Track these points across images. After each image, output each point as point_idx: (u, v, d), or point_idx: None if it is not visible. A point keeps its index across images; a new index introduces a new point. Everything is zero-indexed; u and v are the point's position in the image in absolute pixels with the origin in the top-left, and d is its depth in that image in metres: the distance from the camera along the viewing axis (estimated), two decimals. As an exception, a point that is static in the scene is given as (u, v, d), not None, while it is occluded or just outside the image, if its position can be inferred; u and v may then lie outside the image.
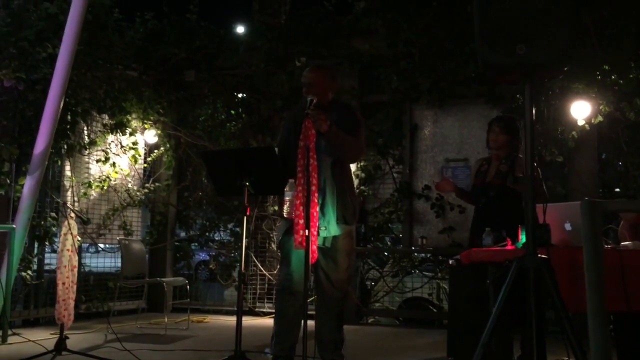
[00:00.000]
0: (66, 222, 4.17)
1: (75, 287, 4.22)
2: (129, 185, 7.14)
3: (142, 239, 7.20)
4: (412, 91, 6.56)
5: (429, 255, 6.90)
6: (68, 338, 4.12)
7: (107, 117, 6.74)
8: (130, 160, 7.09)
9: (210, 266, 7.70)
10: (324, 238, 3.79)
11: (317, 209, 3.63)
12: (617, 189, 6.06)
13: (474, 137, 6.54)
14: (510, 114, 5.24)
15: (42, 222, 6.00)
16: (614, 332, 3.43)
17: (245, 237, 3.65)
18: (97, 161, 6.75)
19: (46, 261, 6.34)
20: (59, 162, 6.30)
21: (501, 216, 4.16)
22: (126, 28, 6.75)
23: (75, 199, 6.48)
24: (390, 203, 6.88)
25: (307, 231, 3.41)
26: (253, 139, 7.27)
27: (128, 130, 6.87)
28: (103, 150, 6.77)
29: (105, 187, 6.78)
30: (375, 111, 6.96)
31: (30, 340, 4.82)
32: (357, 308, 6.65)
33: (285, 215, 3.91)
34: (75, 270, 4.24)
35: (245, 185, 3.54)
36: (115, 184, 6.96)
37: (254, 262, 7.14)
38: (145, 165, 7.41)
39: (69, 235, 4.12)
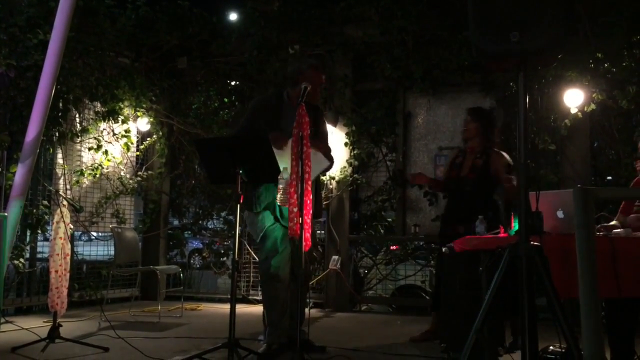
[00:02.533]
0: (58, 210, 4.16)
1: (68, 275, 4.21)
2: (122, 173, 7.11)
3: (134, 227, 7.19)
4: (405, 79, 6.56)
5: (421, 243, 6.93)
6: (61, 326, 4.12)
7: (99, 105, 6.70)
8: (123, 148, 7.06)
9: (204, 254, 7.70)
10: None
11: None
12: (609, 177, 6.09)
13: (467, 125, 6.54)
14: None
15: (34, 210, 5.97)
16: (605, 318, 3.46)
17: (239, 225, 3.65)
18: (89, 149, 6.72)
19: (38, 249, 6.33)
20: (51, 150, 6.26)
21: (475, 210, 4.25)
22: (118, 14, 6.69)
23: (68, 187, 6.46)
24: (384, 191, 6.89)
25: (300, 219, 3.43)
26: (246, 126, 7.23)
27: (120, 118, 6.82)
28: (95, 138, 6.73)
29: (97, 175, 6.76)
30: (368, 99, 6.95)
31: (23, 328, 4.81)
32: (350, 296, 6.68)
33: (278, 203, 3.92)
34: (68, 258, 4.23)
35: (239, 173, 3.54)
36: (108, 172, 6.94)
37: (247, 250, 7.15)
38: (138, 153, 7.39)
39: (62, 223, 4.11)
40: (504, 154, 4.50)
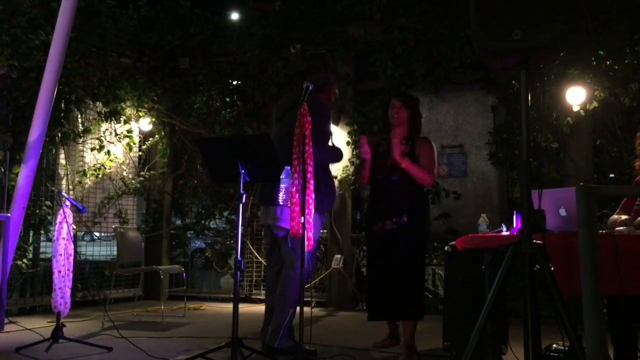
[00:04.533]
0: (61, 211, 4.17)
1: (71, 275, 4.22)
2: (124, 174, 7.12)
3: (137, 227, 7.20)
4: (407, 77, 6.55)
5: (424, 242, 6.91)
6: (65, 326, 4.13)
7: (101, 105, 6.71)
8: (125, 148, 7.07)
9: (206, 254, 7.70)
10: None
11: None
12: (612, 175, 6.08)
13: (469, 124, 6.55)
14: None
15: (37, 211, 5.98)
16: (608, 315, 3.45)
17: (241, 225, 3.65)
18: (92, 149, 6.73)
19: (42, 250, 6.34)
20: (54, 151, 6.28)
21: (403, 202, 4.10)
22: (119, 15, 6.70)
23: (70, 187, 6.47)
24: (386, 190, 6.88)
25: (302, 218, 3.43)
26: (248, 126, 7.25)
27: (122, 118, 6.84)
28: (97, 139, 6.75)
29: (100, 176, 6.77)
30: (370, 98, 6.95)
31: (26, 329, 4.83)
32: (353, 295, 6.68)
33: (280, 203, 3.91)
34: (71, 258, 4.24)
35: (241, 172, 3.54)
36: (110, 172, 6.95)
37: (250, 249, 7.16)
38: (140, 153, 7.39)
39: (65, 223, 4.12)
40: (430, 140, 4.33)
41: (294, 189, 3.54)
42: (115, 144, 6.97)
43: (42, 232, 6.10)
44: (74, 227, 4.49)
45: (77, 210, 4.33)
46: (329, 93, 4.34)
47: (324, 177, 3.98)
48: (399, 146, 4.15)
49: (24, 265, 5.85)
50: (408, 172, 4.06)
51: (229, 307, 4.64)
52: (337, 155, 4.30)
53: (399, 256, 4.03)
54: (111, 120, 6.75)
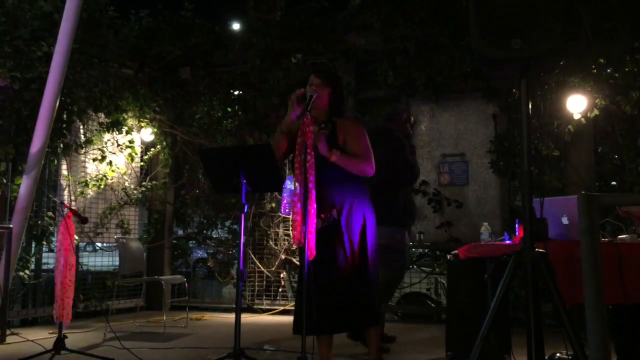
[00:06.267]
0: (63, 221, 4.17)
1: (73, 286, 4.21)
2: (126, 184, 7.13)
3: (139, 237, 7.20)
4: (408, 86, 6.57)
5: (426, 251, 6.91)
6: (67, 337, 4.12)
7: (103, 116, 6.73)
8: (127, 159, 7.08)
9: (209, 264, 7.70)
10: None
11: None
12: (614, 182, 6.08)
13: (471, 132, 6.56)
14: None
15: (39, 222, 5.98)
16: (611, 324, 3.45)
17: (243, 234, 3.65)
18: (94, 160, 6.75)
19: (44, 260, 6.33)
20: (56, 161, 6.29)
21: (330, 193, 3.54)
22: (121, 26, 6.74)
23: (72, 198, 6.47)
24: (388, 198, 6.88)
25: (304, 227, 3.42)
26: (250, 136, 7.27)
27: (124, 129, 6.86)
28: (99, 149, 6.76)
29: (102, 186, 6.78)
30: (371, 107, 6.96)
31: (28, 340, 4.82)
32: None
33: (283, 214, 3.91)
34: (73, 269, 4.23)
35: (243, 182, 3.54)
36: (112, 182, 6.96)
37: (252, 259, 7.15)
38: (142, 163, 7.41)
39: (67, 234, 4.12)
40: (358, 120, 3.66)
41: (296, 198, 3.53)
42: (117, 155, 6.98)
43: (44, 243, 6.09)
44: (76, 237, 4.49)
45: (79, 221, 4.33)
46: (399, 122, 4.88)
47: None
48: (323, 137, 3.51)
49: (25, 276, 5.84)
50: (341, 166, 3.48)
51: (231, 317, 4.62)
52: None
53: (339, 258, 3.50)
54: (113, 131, 6.78)
